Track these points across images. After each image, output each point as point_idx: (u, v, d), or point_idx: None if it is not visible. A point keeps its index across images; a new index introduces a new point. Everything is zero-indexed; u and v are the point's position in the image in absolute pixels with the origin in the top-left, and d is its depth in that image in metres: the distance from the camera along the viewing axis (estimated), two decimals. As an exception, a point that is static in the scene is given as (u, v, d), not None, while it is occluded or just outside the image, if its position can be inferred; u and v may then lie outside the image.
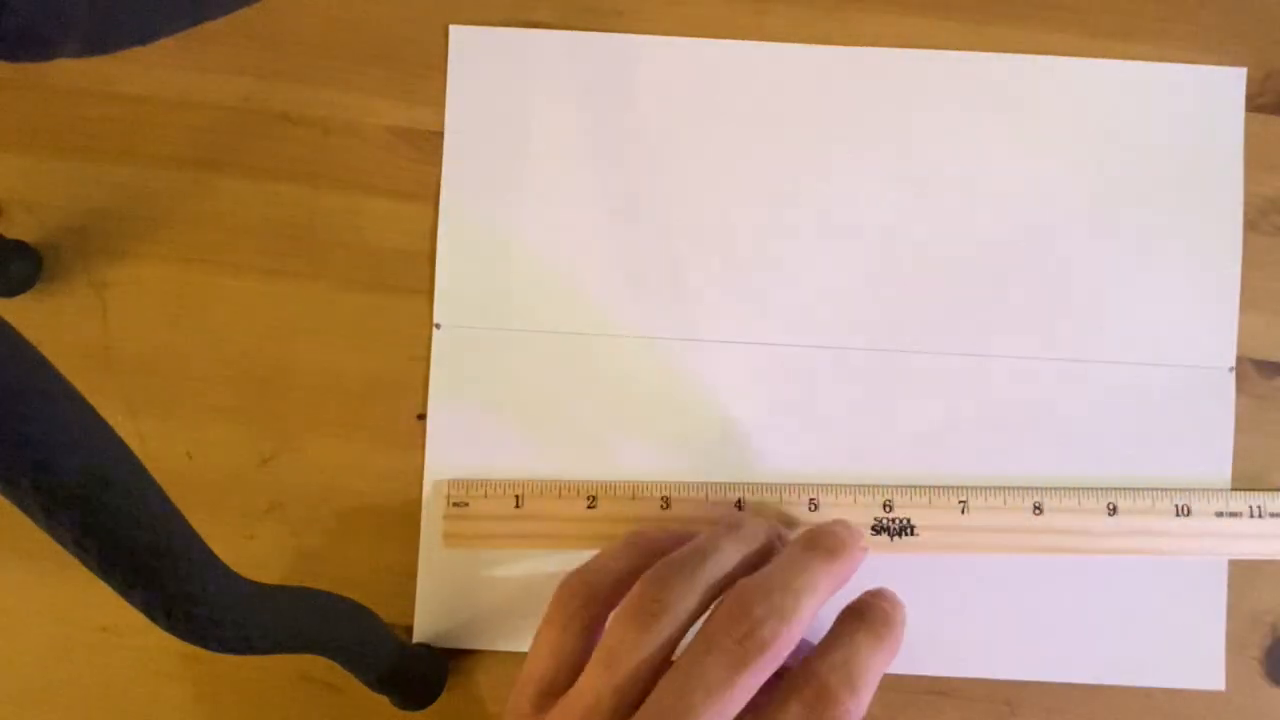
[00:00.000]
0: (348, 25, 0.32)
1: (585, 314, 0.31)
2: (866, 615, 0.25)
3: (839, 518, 0.29)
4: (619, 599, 0.26)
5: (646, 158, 0.31)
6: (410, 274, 0.31)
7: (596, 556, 0.27)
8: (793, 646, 0.23)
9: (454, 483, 0.31)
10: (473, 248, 0.31)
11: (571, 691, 0.24)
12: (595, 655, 0.24)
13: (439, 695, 0.30)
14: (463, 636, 0.31)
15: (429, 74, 0.32)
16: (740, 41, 0.32)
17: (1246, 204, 0.31)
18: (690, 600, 0.24)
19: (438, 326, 0.31)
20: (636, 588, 0.25)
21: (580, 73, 0.32)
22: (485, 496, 0.30)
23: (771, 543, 0.27)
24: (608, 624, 0.25)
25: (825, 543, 0.26)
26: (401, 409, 0.31)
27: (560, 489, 0.30)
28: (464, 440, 0.31)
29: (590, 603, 0.25)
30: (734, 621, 0.23)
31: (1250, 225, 0.31)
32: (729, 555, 0.25)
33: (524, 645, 0.30)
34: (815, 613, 0.24)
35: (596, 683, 0.23)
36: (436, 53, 0.32)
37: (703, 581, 0.24)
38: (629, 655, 0.23)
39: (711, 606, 0.25)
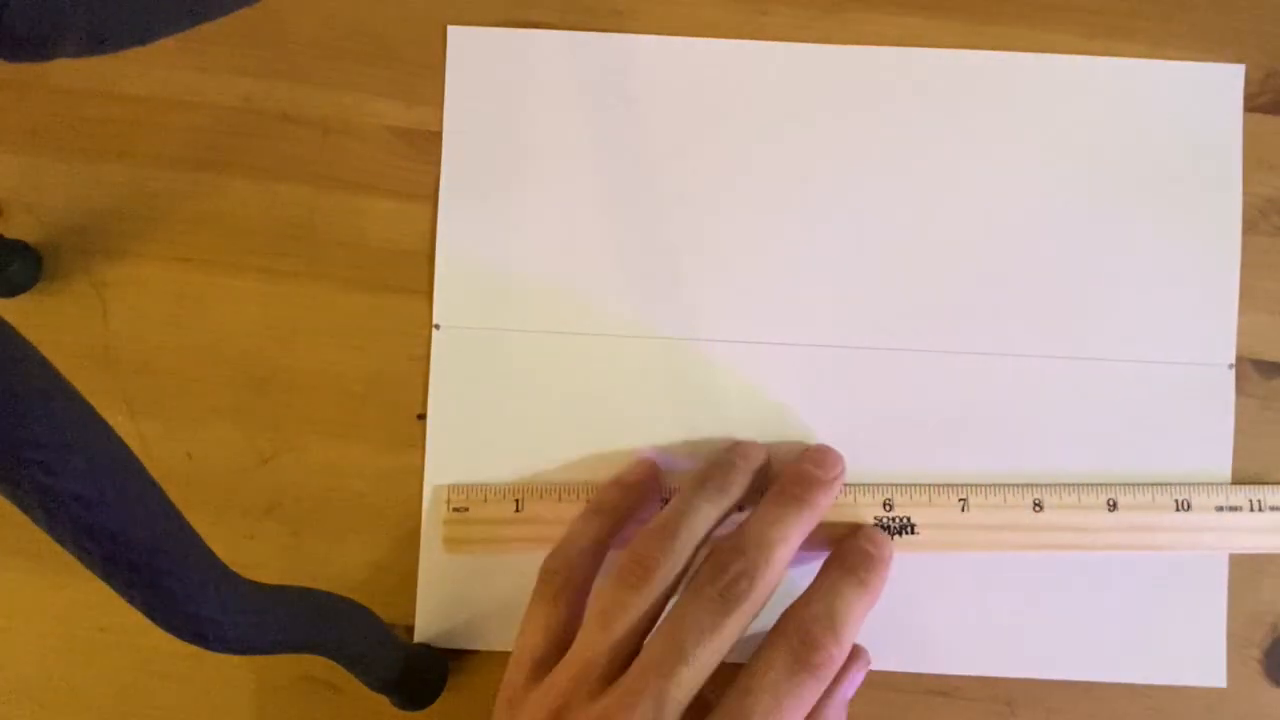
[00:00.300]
0: (348, 25, 0.32)
1: (585, 314, 0.31)
2: (849, 561, 0.27)
3: (820, 443, 0.30)
4: (597, 567, 0.28)
5: (646, 157, 0.31)
6: (410, 274, 0.31)
7: (567, 533, 0.29)
8: (771, 591, 0.26)
9: (454, 487, 0.31)
10: (472, 248, 0.31)
11: (568, 654, 0.25)
12: (588, 618, 0.26)
13: (439, 695, 0.30)
14: (464, 638, 0.31)
15: (429, 74, 0.32)
16: (740, 41, 0.32)
17: (1246, 204, 0.31)
18: (676, 559, 0.26)
19: (437, 327, 0.31)
20: (624, 555, 0.26)
21: (579, 73, 0.32)
22: (485, 501, 0.30)
23: (748, 486, 0.29)
24: (599, 589, 0.26)
25: (794, 490, 0.28)
26: (401, 409, 0.31)
27: (560, 492, 0.30)
28: (464, 441, 0.31)
29: (571, 577, 0.27)
30: (714, 578, 0.25)
31: (1250, 225, 0.31)
32: (706, 513, 0.27)
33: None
34: (790, 556, 0.26)
35: (593, 641, 0.25)
36: (436, 53, 0.32)
37: (685, 542, 0.26)
38: (622, 615, 0.25)
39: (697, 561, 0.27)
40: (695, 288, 0.31)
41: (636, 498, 0.29)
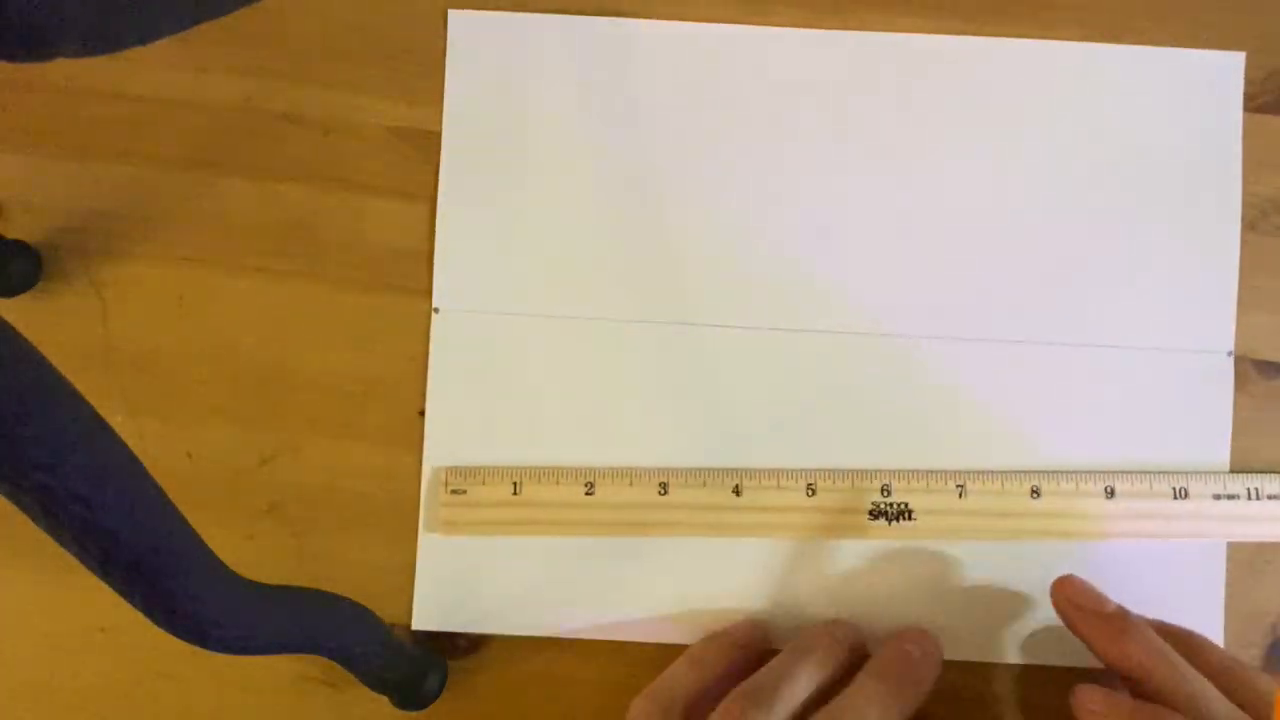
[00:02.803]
0: (348, 25, 0.32)
1: (584, 298, 0.31)
2: (884, 666, 0.27)
3: (916, 626, 0.29)
4: (692, 715, 0.26)
5: (647, 141, 0.31)
6: (409, 274, 0.31)
7: (662, 677, 0.28)
8: None
9: (452, 470, 0.31)
10: (472, 231, 0.31)
11: None
12: None
13: (439, 695, 0.30)
14: (461, 621, 0.31)
15: (429, 74, 0.32)
16: (744, 26, 0.32)
17: (1246, 204, 0.31)
18: None
19: (436, 310, 0.31)
20: (716, 717, 0.25)
21: (580, 56, 0.32)
22: (483, 483, 0.30)
23: (845, 661, 0.28)
24: None
25: (898, 669, 0.27)
26: (401, 408, 0.31)
27: (558, 475, 0.30)
28: (463, 424, 0.31)
29: None
30: None
31: (1250, 225, 0.31)
32: (804, 681, 0.26)
33: (522, 629, 0.30)
34: None
35: None
36: (437, 53, 0.32)
37: (780, 711, 0.25)
38: None
39: None
40: (695, 272, 0.31)
41: (738, 657, 0.28)
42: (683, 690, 0.27)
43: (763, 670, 0.27)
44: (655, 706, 0.26)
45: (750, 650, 0.28)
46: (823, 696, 0.26)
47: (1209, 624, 0.30)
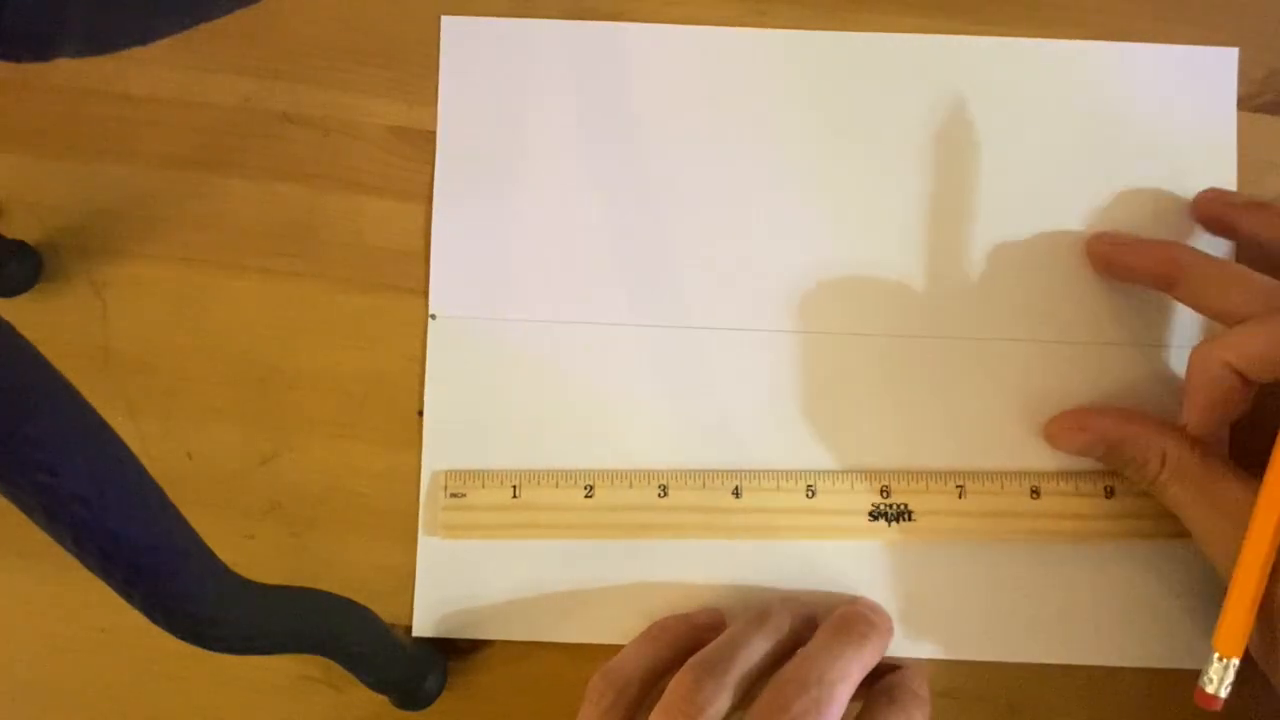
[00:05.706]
0: (348, 25, 0.32)
1: (580, 302, 0.31)
2: (897, 697, 0.27)
3: (863, 596, 0.30)
4: (648, 691, 0.27)
5: (641, 145, 0.31)
6: (409, 274, 0.31)
7: (622, 651, 0.28)
8: None
9: (451, 474, 0.31)
10: (467, 237, 0.31)
11: None
12: None
13: (439, 695, 0.30)
14: (462, 626, 0.31)
15: (428, 74, 0.32)
16: (738, 29, 0.32)
17: (1246, 203, 0.31)
18: (724, 698, 0.25)
19: (433, 317, 0.31)
20: (670, 689, 0.25)
21: (573, 61, 0.32)
22: (483, 487, 0.30)
23: (798, 630, 0.28)
24: None
25: (856, 628, 0.27)
26: (401, 408, 0.31)
27: (558, 478, 0.30)
28: (461, 428, 0.31)
29: (621, 697, 0.26)
30: (775, 716, 0.24)
31: (1250, 225, 0.31)
32: (758, 648, 0.26)
33: (523, 635, 0.30)
34: (850, 694, 0.25)
35: None
36: (436, 53, 0.32)
37: (734, 678, 0.25)
38: None
39: (756, 698, 0.25)
40: (693, 274, 0.31)
41: (695, 638, 0.28)
42: (638, 668, 0.27)
43: (715, 641, 0.27)
44: (610, 685, 0.27)
45: (707, 633, 0.29)
46: (776, 664, 0.26)
47: (1211, 619, 0.30)
